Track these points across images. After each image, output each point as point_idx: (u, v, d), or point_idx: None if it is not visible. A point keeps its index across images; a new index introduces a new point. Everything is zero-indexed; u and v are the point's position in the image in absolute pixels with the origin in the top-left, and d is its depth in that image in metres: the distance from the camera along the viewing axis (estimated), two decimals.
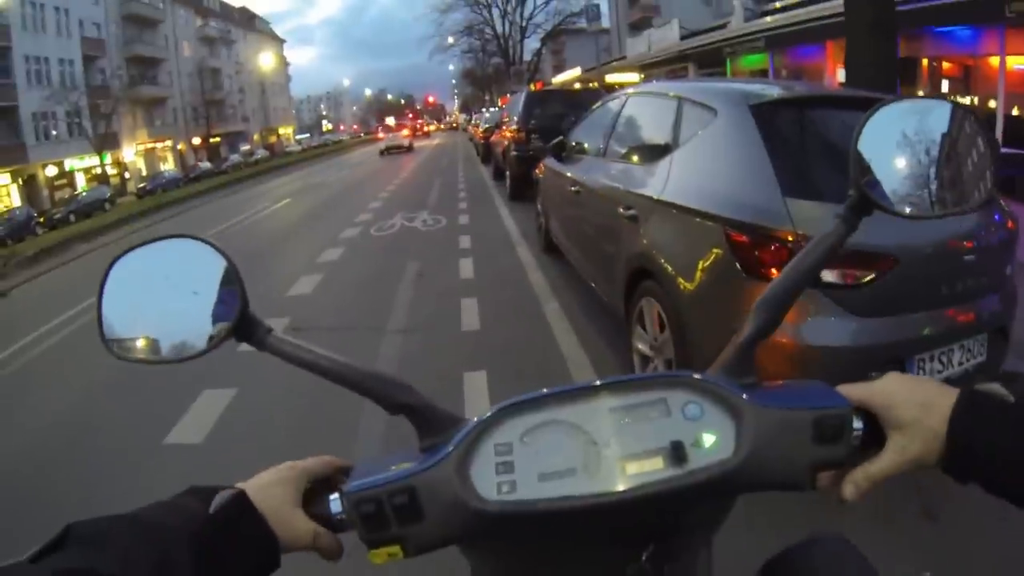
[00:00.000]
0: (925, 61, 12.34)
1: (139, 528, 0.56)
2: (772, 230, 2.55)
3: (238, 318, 0.71)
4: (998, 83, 10.33)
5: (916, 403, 0.65)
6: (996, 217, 2.78)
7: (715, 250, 2.74)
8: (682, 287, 2.93)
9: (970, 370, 2.65)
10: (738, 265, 2.63)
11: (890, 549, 2.19)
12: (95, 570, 0.50)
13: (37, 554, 0.51)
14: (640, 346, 3.44)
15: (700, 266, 2.84)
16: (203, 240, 0.73)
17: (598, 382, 0.70)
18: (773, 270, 2.54)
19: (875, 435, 0.67)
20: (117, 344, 0.71)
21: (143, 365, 0.73)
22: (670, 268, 3.03)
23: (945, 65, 12.29)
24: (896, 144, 0.76)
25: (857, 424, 0.68)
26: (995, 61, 10.55)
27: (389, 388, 0.73)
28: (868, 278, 2.45)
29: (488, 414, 0.69)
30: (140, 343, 0.72)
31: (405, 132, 40.72)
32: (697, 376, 0.70)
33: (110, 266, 0.73)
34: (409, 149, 35.91)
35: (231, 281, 0.72)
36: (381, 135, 47.15)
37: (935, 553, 2.25)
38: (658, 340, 3.21)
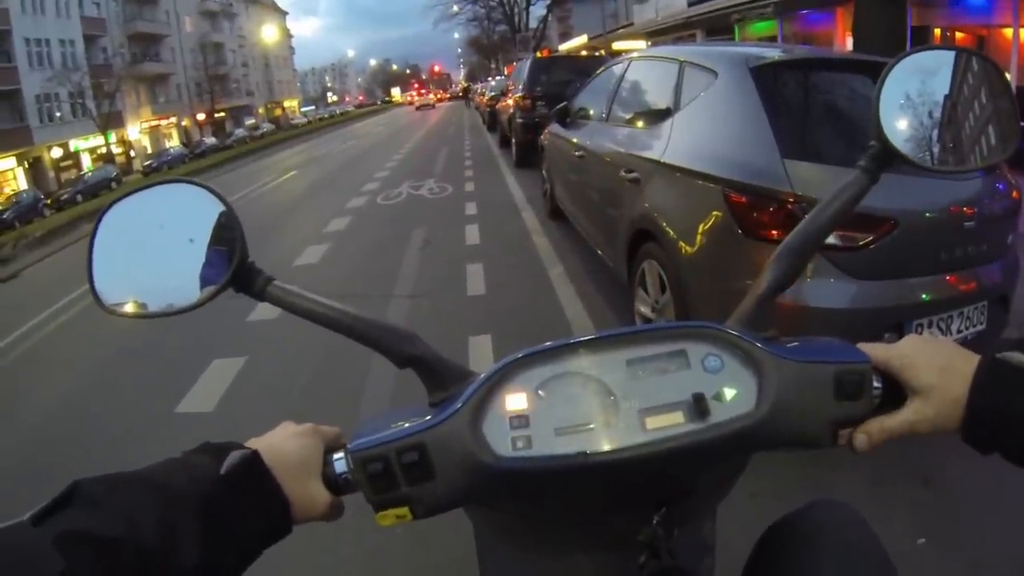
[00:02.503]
0: (938, 31, 12.11)
1: (147, 488, 0.54)
2: (770, 191, 2.55)
3: (236, 267, 0.67)
4: (1012, 54, 10.13)
5: (936, 367, 0.63)
6: (1000, 186, 2.77)
7: (714, 211, 2.75)
8: (682, 249, 2.94)
9: (969, 338, 2.65)
10: (737, 226, 2.64)
11: (886, 515, 2.19)
12: (97, 532, 0.48)
13: (42, 512, 0.49)
14: (642, 308, 3.46)
15: (700, 228, 2.85)
16: (200, 185, 0.70)
17: (615, 332, 0.68)
18: (772, 231, 2.55)
19: (894, 394, 0.66)
20: (109, 297, 0.68)
21: (138, 320, 0.70)
22: (671, 230, 3.04)
23: (958, 35, 12.06)
24: (919, 95, 0.73)
25: (877, 383, 0.66)
26: (1008, 32, 10.33)
27: (396, 339, 0.69)
28: (866, 241, 2.45)
29: (501, 365, 0.65)
30: (133, 295, 0.68)
31: (432, 96, 77.70)
32: (718, 327, 0.67)
33: (102, 214, 0.69)
34: (433, 106, 56.74)
35: (229, 228, 0.68)
36: (411, 98, 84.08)
37: (931, 520, 2.26)
38: (659, 302, 3.23)
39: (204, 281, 0.67)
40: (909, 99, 0.73)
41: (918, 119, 0.73)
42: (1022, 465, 0.60)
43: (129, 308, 0.68)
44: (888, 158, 0.72)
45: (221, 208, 0.68)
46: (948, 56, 0.75)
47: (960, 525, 2.24)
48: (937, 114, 0.73)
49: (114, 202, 0.70)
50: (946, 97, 0.73)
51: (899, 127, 0.72)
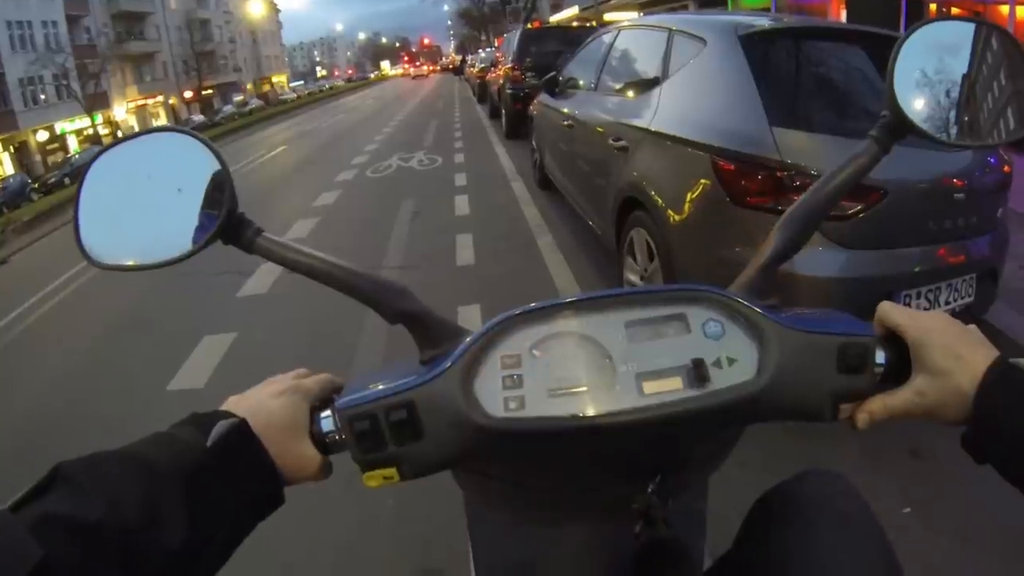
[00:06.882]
0: (933, 6, 11.97)
1: (130, 466, 0.53)
2: (758, 159, 2.54)
3: (225, 218, 0.65)
4: (1008, 30, 10.02)
5: (952, 353, 0.61)
6: (991, 159, 2.76)
7: (702, 179, 2.74)
8: (670, 216, 2.94)
9: (957, 310, 2.66)
10: (725, 193, 2.63)
11: (873, 486, 2.22)
12: (78, 516, 0.47)
13: (23, 498, 0.48)
14: (631, 276, 3.47)
15: (688, 195, 2.84)
16: (187, 133, 0.67)
17: (614, 292, 0.65)
18: (760, 199, 2.55)
19: (898, 370, 0.64)
20: (97, 251, 0.66)
21: (125, 272, 0.69)
22: (659, 198, 3.03)
23: (953, 11, 11.92)
24: (936, 67, 0.71)
25: (880, 359, 0.64)
26: (1004, 9, 10.22)
27: (388, 293, 0.68)
28: (856, 210, 2.44)
29: (495, 322, 0.63)
30: (121, 248, 0.67)
31: (426, 68, 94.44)
32: (720, 291, 0.65)
33: (91, 163, 0.67)
34: (427, 76, 63.22)
35: (219, 179, 0.66)
36: (406, 70, 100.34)
37: (918, 490, 2.27)
38: (648, 270, 3.23)
39: (193, 232, 0.66)
40: (925, 71, 0.70)
41: (934, 91, 0.70)
42: (1014, 482, 0.57)
43: (118, 261, 0.67)
44: (901, 130, 0.69)
45: (210, 157, 0.66)
46: (967, 28, 0.73)
47: (948, 496, 2.24)
48: (954, 87, 0.71)
49: (99, 154, 0.68)
50: (964, 70, 0.71)
51: (913, 98, 0.69)
